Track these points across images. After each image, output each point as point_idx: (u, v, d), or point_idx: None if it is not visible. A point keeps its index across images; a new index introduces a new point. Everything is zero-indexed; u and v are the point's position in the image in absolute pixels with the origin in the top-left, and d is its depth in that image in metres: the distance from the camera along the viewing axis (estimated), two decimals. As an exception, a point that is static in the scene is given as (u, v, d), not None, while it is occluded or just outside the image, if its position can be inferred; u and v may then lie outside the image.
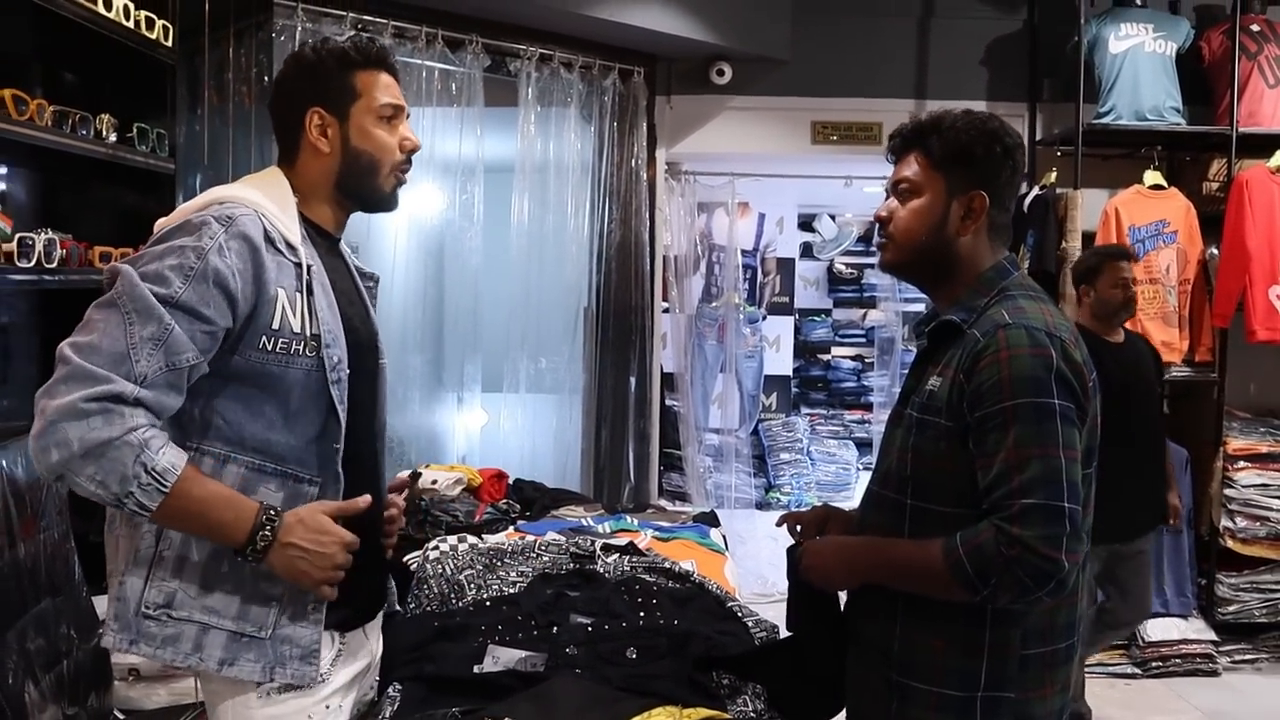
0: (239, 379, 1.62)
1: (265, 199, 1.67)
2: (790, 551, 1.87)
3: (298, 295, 1.64)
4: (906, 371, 1.92)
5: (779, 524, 1.96)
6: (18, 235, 2.17)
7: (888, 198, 1.83)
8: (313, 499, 1.64)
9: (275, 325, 1.62)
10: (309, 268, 1.67)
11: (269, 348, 1.62)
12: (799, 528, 1.96)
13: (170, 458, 1.51)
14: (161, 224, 1.66)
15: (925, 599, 1.67)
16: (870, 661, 1.76)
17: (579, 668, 1.82)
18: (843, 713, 1.88)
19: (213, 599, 1.62)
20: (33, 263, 2.19)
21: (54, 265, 2.26)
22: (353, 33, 3.87)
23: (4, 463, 2.06)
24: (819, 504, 2.15)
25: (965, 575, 1.56)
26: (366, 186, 1.77)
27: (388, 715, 1.74)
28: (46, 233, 2.26)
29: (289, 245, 1.65)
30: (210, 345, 1.57)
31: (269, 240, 1.62)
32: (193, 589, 1.61)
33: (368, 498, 1.68)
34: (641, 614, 2.06)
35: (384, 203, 1.81)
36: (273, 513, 1.57)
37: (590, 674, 1.79)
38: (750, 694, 1.81)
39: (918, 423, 1.71)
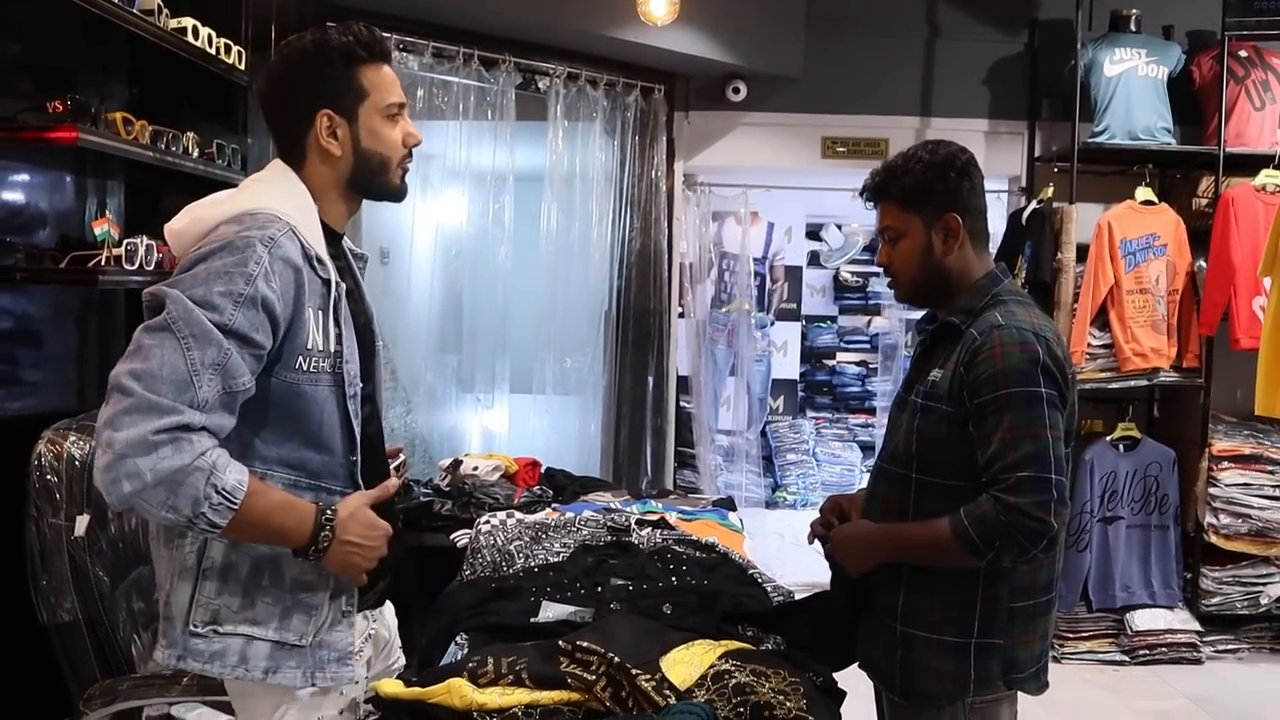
0: (275, 401, 1.65)
1: (292, 209, 1.66)
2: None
3: (321, 313, 1.66)
4: (909, 366, 2.20)
5: (810, 540, 2.19)
6: (125, 241, 2.45)
7: (881, 242, 2.10)
8: None
9: (309, 345, 1.64)
10: (336, 284, 1.69)
11: (304, 367, 1.64)
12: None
13: (236, 475, 1.54)
14: (177, 231, 1.66)
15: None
16: (879, 617, 2.02)
17: (622, 621, 2.09)
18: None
19: (255, 612, 1.67)
20: (135, 265, 2.47)
21: (151, 268, 2.54)
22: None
23: (112, 442, 2.32)
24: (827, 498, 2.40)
25: (972, 543, 1.83)
26: (377, 183, 1.77)
27: (459, 658, 2.01)
28: (145, 239, 2.54)
29: (319, 260, 1.66)
30: (257, 368, 1.59)
31: (305, 257, 1.63)
32: (235, 604, 1.66)
33: (396, 481, 1.80)
34: (674, 579, 2.33)
35: (394, 195, 1.81)
36: (330, 513, 1.63)
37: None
38: (772, 644, 2.07)
39: (922, 408, 1.97)
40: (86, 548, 2.17)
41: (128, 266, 2.44)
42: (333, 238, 1.77)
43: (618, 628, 1.69)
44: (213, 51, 2.86)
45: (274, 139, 1.77)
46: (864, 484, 7.47)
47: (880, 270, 7.67)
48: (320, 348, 1.66)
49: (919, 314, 2.29)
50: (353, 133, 1.71)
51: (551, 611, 2.17)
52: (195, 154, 2.80)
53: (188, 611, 1.64)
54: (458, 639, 2.10)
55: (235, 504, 1.52)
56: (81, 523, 2.16)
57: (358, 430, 1.73)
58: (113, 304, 2.95)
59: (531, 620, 2.12)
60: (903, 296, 2.12)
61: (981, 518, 1.82)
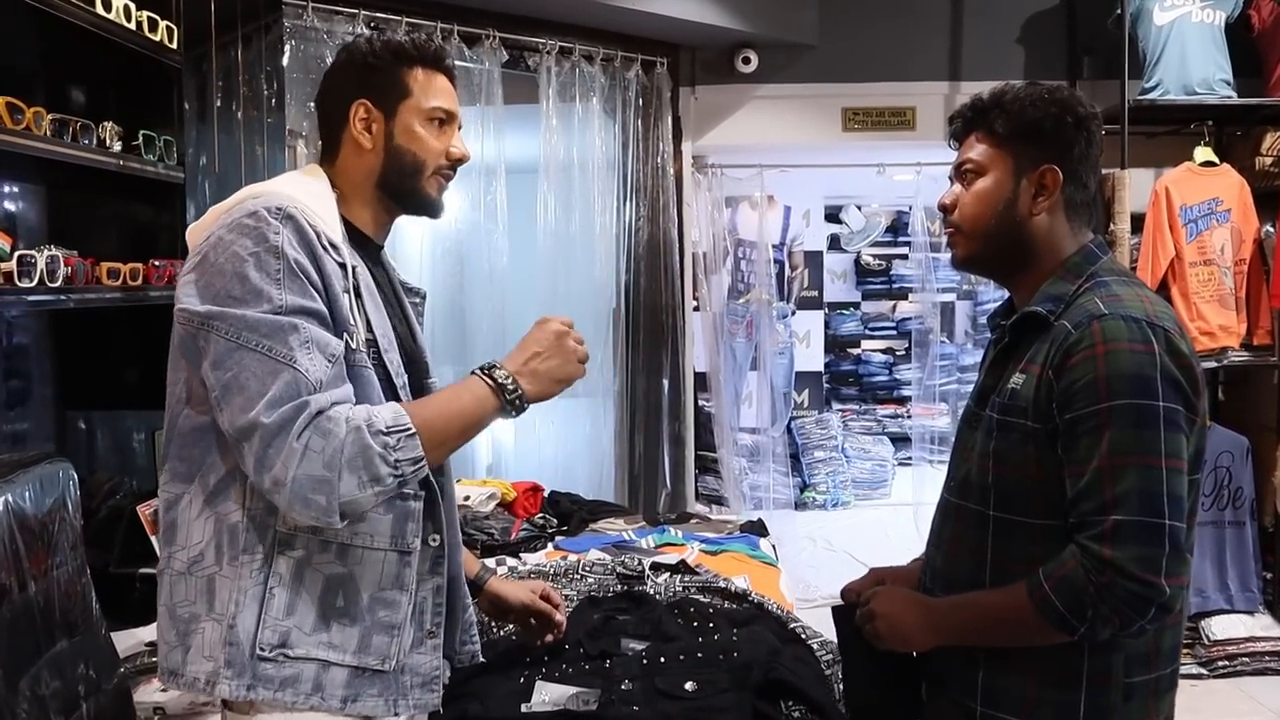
0: None
1: (301, 194, 1.57)
2: (842, 613, 1.70)
3: (345, 296, 1.54)
4: (981, 366, 1.76)
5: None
6: (17, 254, 2.04)
7: (951, 184, 1.68)
8: (417, 514, 1.56)
9: (351, 321, 1.53)
10: (354, 269, 1.56)
11: (351, 345, 1.53)
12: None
13: (387, 411, 1.47)
14: (192, 228, 1.57)
15: None
16: (952, 694, 1.60)
17: (635, 704, 1.68)
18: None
19: (330, 634, 1.52)
20: (34, 282, 2.06)
21: (58, 284, 2.13)
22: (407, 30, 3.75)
23: (10, 497, 1.90)
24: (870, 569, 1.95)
25: (1056, 613, 1.42)
26: (408, 187, 1.66)
27: (430, 764, 1.59)
28: (48, 250, 2.13)
29: (331, 244, 1.55)
30: (334, 334, 1.50)
31: (315, 236, 1.53)
32: (308, 625, 1.51)
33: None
34: (699, 637, 1.91)
35: (427, 206, 1.70)
36: (488, 367, 1.55)
37: (648, 710, 1.65)
38: (825, 731, 1.65)
39: (999, 425, 1.55)
40: (-28, 636, 1.76)
41: (22, 284, 2.02)
42: (361, 240, 1.67)
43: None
44: (132, 26, 2.44)
45: (320, 137, 1.72)
46: (898, 479, 6.98)
47: (900, 255, 7.27)
48: (357, 329, 1.55)
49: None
50: (388, 128, 1.63)
51: (548, 694, 1.75)
52: (116, 146, 2.39)
53: (255, 634, 1.49)
54: (431, 735, 1.68)
55: (409, 427, 1.46)
56: (-37, 606, 1.75)
57: None
58: (25, 328, 2.55)
59: (523, 708, 1.70)
60: (961, 256, 1.67)
61: (1066, 579, 1.41)
